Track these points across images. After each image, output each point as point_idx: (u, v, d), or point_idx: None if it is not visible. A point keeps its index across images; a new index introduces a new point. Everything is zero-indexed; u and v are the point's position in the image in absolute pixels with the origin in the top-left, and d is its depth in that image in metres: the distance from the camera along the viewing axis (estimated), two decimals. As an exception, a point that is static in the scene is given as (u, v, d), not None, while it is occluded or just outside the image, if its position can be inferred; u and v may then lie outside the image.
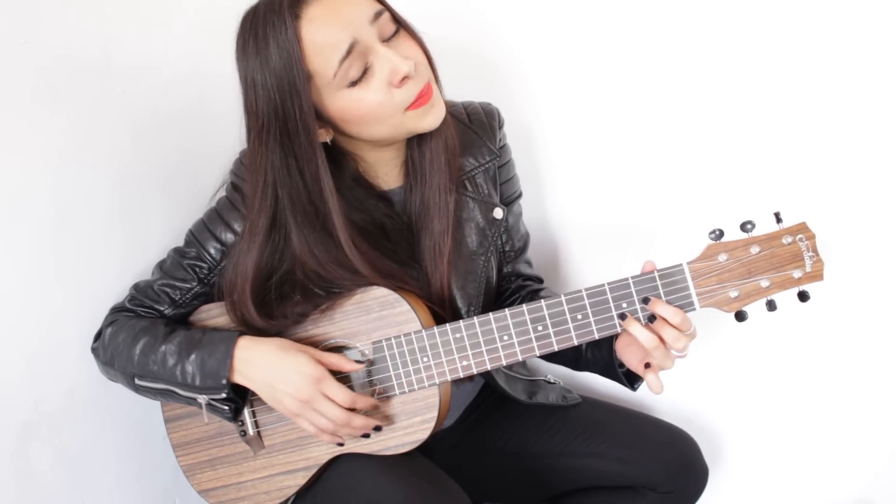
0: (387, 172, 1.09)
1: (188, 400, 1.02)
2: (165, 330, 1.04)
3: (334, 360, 0.99)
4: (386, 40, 0.94)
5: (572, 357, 1.10)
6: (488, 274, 1.13)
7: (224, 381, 0.98)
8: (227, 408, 1.01)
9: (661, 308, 0.92)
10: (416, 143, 1.06)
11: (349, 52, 0.90)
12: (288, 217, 0.98)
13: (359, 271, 1.00)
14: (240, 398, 1.02)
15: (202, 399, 1.01)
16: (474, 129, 1.14)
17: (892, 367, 1.25)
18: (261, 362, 0.98)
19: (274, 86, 0.91)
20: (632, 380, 1.07)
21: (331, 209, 0.98)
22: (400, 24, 0.97)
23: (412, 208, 1.09)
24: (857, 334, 1.26)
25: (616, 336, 1.02)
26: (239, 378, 0.99)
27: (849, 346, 1.27)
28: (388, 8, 0.96)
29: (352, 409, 0.99)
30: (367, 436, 1.01)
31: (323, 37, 0.90)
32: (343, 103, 0.94)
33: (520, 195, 1.22)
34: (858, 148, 1.18)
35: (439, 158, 1.05)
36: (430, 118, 0.98)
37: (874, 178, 1.18)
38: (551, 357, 1.13)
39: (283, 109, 0.92)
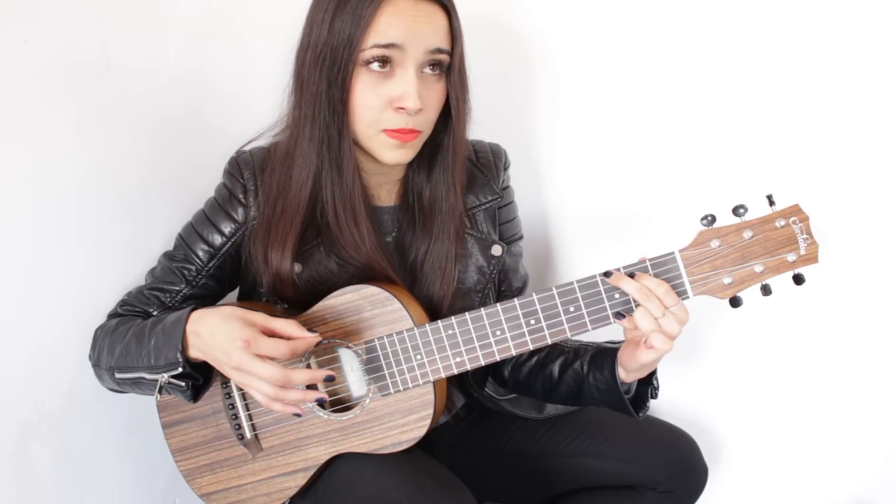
0: (381, 185, 1.11)
1: (153, 384, 0.98)
2: (138, 321, 1.04)
3: (280, 324, 0.92)
4: (423, 70, 0.97)
5: (574, 387, 1.09)
6: None
7: (178, 356, 0.94)
8: (183, 384, 0.96)
9: (646, 280, 0.91)
10: (423, 171, 1.08)
11: (387, 46, 0.94)
12: (325, 157, 1.01)
13: (359, 230, 1.02)
14: (201, 376, 0.98)
15: (162, 379, 0.97)
16: (480, 167, 1.15)
17: (891, 367, 1.25)
18: (206, 334, 0.93)
19: (340, 31, 0.95)
20: (637, 406, 1.05)
21: (347, 164, 1.00)
22: (448, 72, 1.00)
23: (406, 238, 1.10)
24: (856, 334, 1.26)
25: (616, 357, 1.02)
26: (194, 352, 0.95)
27: (848, 347, 1.27)
28: (452, 54, 0.99)
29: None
30: (322, 405, 0.98)
31: (386, 22, 0.94)
32: (355, 81, 0.97)
33: (520, 237, 1.22)
34: (850, 130, 1.18)
35: (453, 196, 1.07)
36: (393, 155, 1.00)
37: (866, 158, 1.18)
38: (552, 396, 1.14)
39: (333, 54, 0.96)
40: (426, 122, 1.01)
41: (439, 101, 1.01)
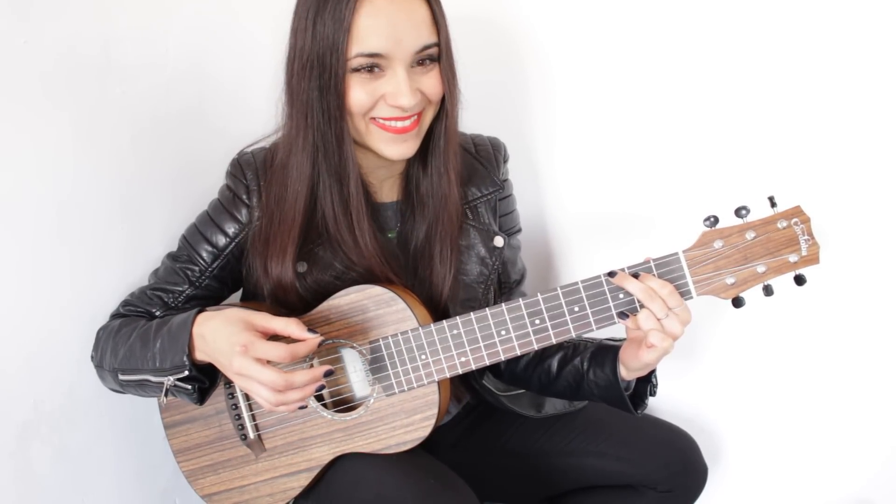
0: (382, 181, 1.11)
1: (158, 386, 0.98)
2: (142, 322, 1.04)
3: (281, 324, 0.91)
4: (413, 65, 0.97)
5: (573, 383, 1.09)
6: (488, 303, 1.14)
7: (185, 359, 0.94)
8: (189, 387, 0.97)
9: (650, 281, 0.91)
10: (419, 162, 1.08)
11: (371, 56, 0.94)
12: (322, 165, 1.00)
13: (361, 238, 1.02)
14: (207, 378, 0.98)
15: (168, 381, 0.97)
16: (480, 160, 1.16)
17: (891, 366, 1.25)
18: (209, 338, 0.93)
19: (323, 36, 0.94)
20: (636, 403, 1.06)
21: (350, 171, 1.00)
22: (439, 59, 0.99)
23: (408, 231, 1.10)
24: (856, 334, 1.26)
25: (617, 354, 1.02)
26: (200, 355, 0.95)
27: (848, 347, 1.27)
28: (440, 44, 0.98)
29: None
30: (320, 398, 0.98)
31: (367, 26, 0.93)
32: (348, 86, 0.96)
33: (519, 230, 1.23)
34: (851, 131, 1.18)
35: (446, 182, 1.07)
36: (394, 148, 1.00)
37: (867, 160, 1.19)
38: (551, 389, 1.14)
39: (321, 61, 0.95)
40: (425, 102, 1.00)
41: (438, 84, 1.00)
